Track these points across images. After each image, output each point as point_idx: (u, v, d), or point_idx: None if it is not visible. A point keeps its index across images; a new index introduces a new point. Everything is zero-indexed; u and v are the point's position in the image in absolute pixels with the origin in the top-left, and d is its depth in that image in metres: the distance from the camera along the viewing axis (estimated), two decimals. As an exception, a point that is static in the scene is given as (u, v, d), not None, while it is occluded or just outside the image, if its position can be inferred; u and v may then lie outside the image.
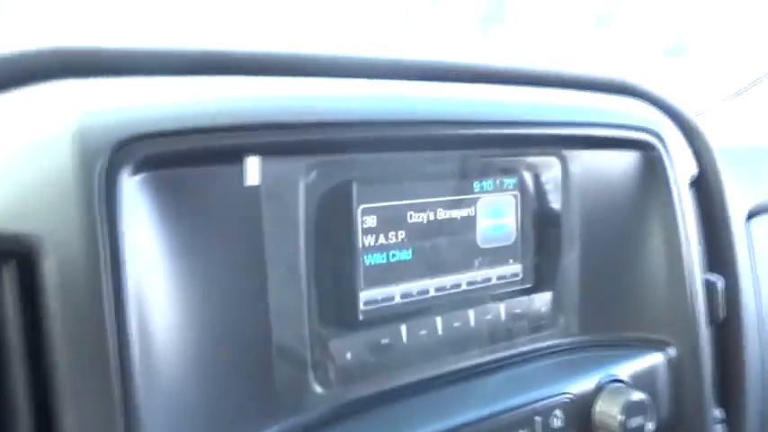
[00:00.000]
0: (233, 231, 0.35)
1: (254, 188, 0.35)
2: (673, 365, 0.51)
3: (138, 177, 0.30)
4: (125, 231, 0.29)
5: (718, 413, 0.58)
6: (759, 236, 0.67)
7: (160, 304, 0.31)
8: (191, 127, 0.31)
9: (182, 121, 0.31)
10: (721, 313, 0.56)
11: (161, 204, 0.32)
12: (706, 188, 0.60)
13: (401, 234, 0.41)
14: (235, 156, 0.34)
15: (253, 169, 0.34)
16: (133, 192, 0.30)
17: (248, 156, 0.34)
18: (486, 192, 0.45)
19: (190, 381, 0.32)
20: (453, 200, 0.43)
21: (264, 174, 0.35)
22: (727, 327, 0.60)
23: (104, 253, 0.28)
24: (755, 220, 0.67)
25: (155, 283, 0.31)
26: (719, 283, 0.57)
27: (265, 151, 0.34)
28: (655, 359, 0.50)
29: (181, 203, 0.32)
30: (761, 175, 0.71)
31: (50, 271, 0.28)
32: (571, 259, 0.49)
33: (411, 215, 0.42)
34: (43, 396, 0.29)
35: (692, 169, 0.59)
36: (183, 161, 0.32)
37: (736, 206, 0.64)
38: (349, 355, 0.40)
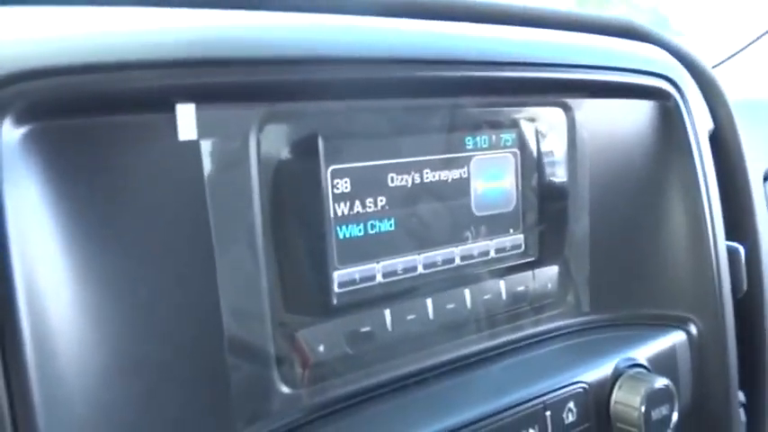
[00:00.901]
0: (166, 200, 0.27)
1: (191, 144, 0.28)
2: (695, 345, 0.45)
3: (24, 129, 0.23)
4: (8, 200, 0.22)
5: (741, 396, 0.52)
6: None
7: (64, 294, 0.24)
8: (97, 62, 0.24)
9: (86, 54, 0.24)
10: (744, 285, 0.50)
11: (60, 166, 0.24)
12: (723, 146, 0.54)
13: (381, 200, 0.34)
14: (162, 102, 0.26)
15: (187, 120, 0.27)
16: (18, 148, 0.23)
17: (180, 102, 0.27)
18: (481, 149, 0.38)
19: (116, 390, 0.25)
20: (442, 159, 0.36)
21: (204, 126, 0.28)
22: (748, 300, 0.53)
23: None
24: (771, 182, 0.61)
25: (54, 266, 0.24)
26: (741, 251, 0.50)
27: (203, 97, 0.27)
28: (676, 338, 0.44)
29: (89, 166, 0.25)
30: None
31: None
32: (580, 227, 0.43)
33: (392, 177, 0.35)
34: None
35: (709, 125, 0.52)
36: (91, 108, 0.25)
37: (753, 165, 0.58)
38: (322, 348, 0.33)
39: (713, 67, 1.11)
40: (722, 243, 0.46)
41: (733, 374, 0.46)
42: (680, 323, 0.45)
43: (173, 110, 0.27)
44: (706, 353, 0.45)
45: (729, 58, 1.13)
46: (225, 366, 0.29)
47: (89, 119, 0.25)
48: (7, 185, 0.22)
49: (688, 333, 0.45)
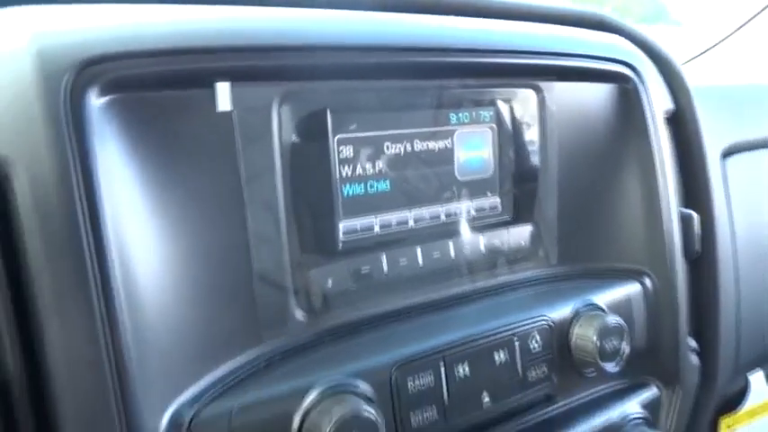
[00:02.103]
0: (208, 158, 0.35)
1: (227, 114, 0.35)
2: (648, 295, 0.52)
3: (105, 99, 0.30)
4: (96, 152, 0.29)
5: (693, 343, 0.59)
6: (734, 174, 0.67)
7: (137, 227, 0.31)
8: (159, 48, 0.31)
9: (150, 42, 0.31)
10: (697, 247, 0.57)
11: (132, 129, 0.32)
12: (682, 125, 0.61)
13: (378, 165, 0.42)
14: (205, 80, 0.34)
15: (224, 94, 0.34)
16: (102, 114, 0.30)
17: (218, 80, 0.34)
18: (463, 124, 0.45)
19: (173, 302, 0.33)
20: (430, 131, 0.44)
21: (236, 100, 0.35)
22: (702, 261, 0.61)
23: (76, 172, 0.28)
24: (731, 159, 0.68)
25: (131, 205, 0.31)
26: (695, 217, 0.57)
27: (236, 76, 0.34)
28: (631, 289, 0.51)
29: (153, 128, 0.32)
30: (737, 114, 0.71)
31: (23, 191, 0.28)
32: (549, 192, 0.50)
33: (388, 146, 0.42)
34: (24, 313, 0.29)
35: (667, 105, 0.59)
36: (153, 84, 0.32)
37: (711, 144, 0.65)
38: (330, 283, 0.40)
39: (703, 53, 1.18)
40: (674, 209, 0.53)
41: (682, 322, 0.53)
42: (636, 276, 0.52)
43: (212, 86, 0.34)
44: (658, 302, 0.52)
45: (714, 46, 1.20)
46: (253, 293, 0.36)
47: (151, 92, 0.32)
48: (97, 141, 0.29)
49: (643, 285, 0.52)
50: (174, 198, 0.33)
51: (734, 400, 0.76)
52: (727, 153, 0.68)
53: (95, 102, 0.29)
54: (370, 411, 0.34)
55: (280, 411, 0.34)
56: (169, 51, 0.32)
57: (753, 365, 0.75)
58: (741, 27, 1.19)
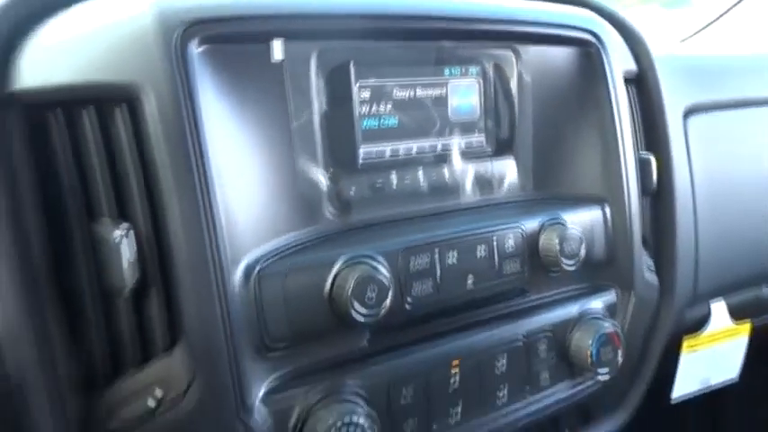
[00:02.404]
0: (267, 95, 0.49)
1: (279, 63, 0.49)
2: (606, 217, 0.65)
3: (202, 48, 0.45)
4: (196, 82, 0.44)
5: (650, 262, 0.72)
6: (694, 130, 0.80)
7: (222, 137, 0.46)
8: (236, 15, 0.45)
9: (231, 10, 0.45)
10: (653, 185, 0.70)
11: (218, 69, 0.46)
12: (645, 84, 0.73)
13: (388, 105, 0.55)
14: (265, 38, 0.48)
15: (278, 49, 0.49)
16: (199, 58, 0.44)
17: (274, 39, 0.48)
18: (455, 77, 0.59)
19: (245, 190, 0.47)
20: (429, 81, 0.57)
21: (287, 53, 0.49)
22: (661, 198, 0.74)
23: (184, 94, 0.43)
24: (692, 118, 0.80)
25: (217, 122, 0.45)
26: (652, 160, 0.70)
27: (286, 35, 0.49)
28: (593, 212, 0.64)
29: (232, 70, 0.47)
30: (701, 80, 0.84)
31: (150, 108, 0.43)
32: (525, 132, 0.63)
33: (396, 91, 0.56)
34: (151, 196, 0.44)
35: (630, 67, 0.72)
36: (233, 39, 0.46)
37: (675, 104, 0.77)
38: (352, 192, 0.54)
39: (704, 29, 1.29)
40: (631, 152, 0.65)
41: (636, 240, 0.66)
42: (597, 203, 0.65)
43: (270, 43, 0.48)
44: (614, 224, 0.65)
45: (713, 22, 1.31)
46: (298, 194, 0.51)
47: (231, 45, 0.46)
48: (198, 75, 0.43)
49: (602, 209, 0.65)
50: (244, 120, 0.48)
51: (699, 326, 0.89)
52: (689, 112, 0.80)
53: (195, 50, 0.44)
54: (383, 275, 0.48)
55: (318, 273, 0.48)
56: (243, 17, 0.46)
57: (714, 295, 0.88)
58: (737, 4, 1.31)
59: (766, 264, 0.91)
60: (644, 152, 0.71)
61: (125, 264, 0.42)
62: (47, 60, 0.44)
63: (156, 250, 0.44)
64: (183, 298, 0.44)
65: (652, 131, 0.74)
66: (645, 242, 0.73)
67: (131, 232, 0.43)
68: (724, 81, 0.85)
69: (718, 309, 0.88)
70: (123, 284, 0.43)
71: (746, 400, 1.28)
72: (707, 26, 1.39)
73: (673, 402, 0.90)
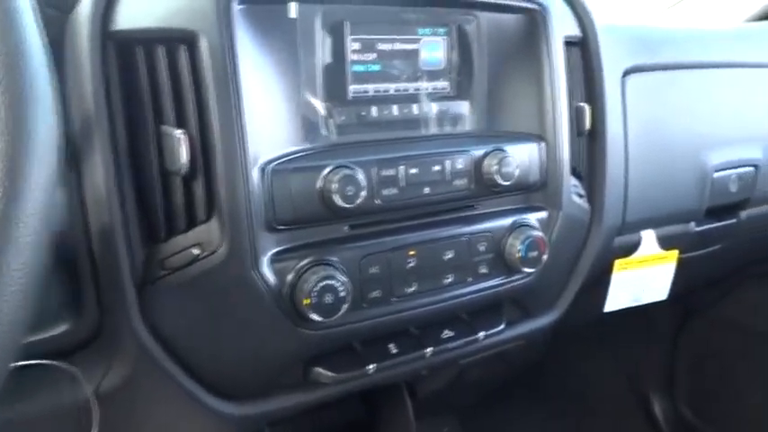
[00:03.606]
0: (284, 44, 0.68)
1: (293, 20, 0.68)
2: (542, 151, 0.83)
3: (241, 6, 0.63)
4: (236, 34, 0.62)
5: (580, 190, 0.91)
6: (632, 86, 0.98)
7: (253, 78, 0.64)
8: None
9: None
10: (586, 127, 0.89)
11: (252, 22, 0.65)
12: (587, 47, 0.91)
13: (373, 55, 0.74)
14: (284, 1, 0.67)
15: (293, 9, 0.67)
16: (239, 14, 0.63)
17: (291, 2, 0.67)
18: (426, 35, 0.77)
19: (262, 116, 0.66)
20: (405, 38, 0.76)
21: (299, 13, 0.68)
22: (594, 139, 0.92)
23: (227, 40, 0.62)
24: (630, 78, 0.98)
25: (249, 62, 0.64)
26: (586, 108, 0.88)
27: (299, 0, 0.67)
28: (531, 146, 0.82)
29: (261, 23, 0.65)
30: (641, 45, 1.01)
31: (203, 50, 0.62)
32: (481, 82, 0.81)
33: (379, 44, 0.74)
34: (201, 111, 0.63)
35: (574, 32, 0.89)
36: (261, 1, 0.65)
37: (614, 63, 0.95)
38: (343, 119, 0.73)
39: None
40: (564, 100, 0.83)
41: (566, 169, 0.84)
42: (535, 139, 0.83)
43: (287, 3, 0.67)
44: (548, 156, 0.83)
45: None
46: (302, 118, 0.70)
47: (262, 6, 0.65)
48: (237, 28, 0.62)
49: (538, 144, 0.83)
50: (267, 60, 0.67)
51: (631, 252, 1.08)
52: (628, 72, 0.98)
53: (237, 7, 0.63)
54: (360, 178, 0.68)
55: (313, 174, 0.67)
56: None
57: (644, 226, 1.07)
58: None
59: (692, 203, 1.09)
60: (580, 103, 0.89)
61: (183, 153, 0.62)
62: (135, 10, 0.63)
63: (201, 148, 0.64)
64: (218, 183, 0.64)
65: (591, 86, 0.91)
66: (578, 174, 0.92)
67: (186, 135, 0.63)
68: (663, 47, 1.02)
69: (648, 236, 1.07)
70: (179, 168, 0.63)
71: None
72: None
73: (606, 312, 1.10)
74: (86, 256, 0.67)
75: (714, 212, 1.15)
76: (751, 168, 1.15)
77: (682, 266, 1.13)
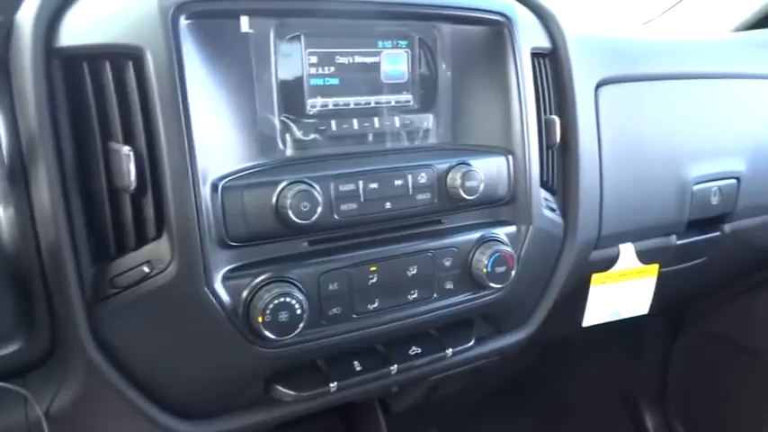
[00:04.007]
0: (236, 59, 0.67)
1: (246, 34, 0.67)
2: (510, 165, 0.81)
3: (188, 22, 0.62)
4: (183, 48, 0.62)
5: (553, 204, 0.90)
6: (604, 99, 0.96)
7: (199, 91, 0.64)
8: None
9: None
10: (556, 140, 0.87)
11: (199, 38, 0.64)
12: (557, 58, 0.90)
13: (332, 68, 0.73)
14: (236, 15, 0.66)
15: (245, 23, 0.66)
16: (186, 28, 0.62)
17: (242, 15, 0.66)
18: (387, 48, 0.76)
19: (215, 129, 0.65)
20: (366, 51, 0.75)
21: (252, 27, 0.67)
22: (566, 152, 0.91)
23: (176, 57, 0.61)
24: (603, 89, 0.96)
25: (199, 77, 0.63)
26: (556, 120, 0.87)
27: (251, 13, 0.66)
28: (498, 159, 0.81)
29: (211, 38, 0.64)
30: (611, 57, 1.00)
31: (149, 66, 0.61)
32: (445, 95, 0.80)
33: (338, 57, 0.73)
34: (148, 127, 0.62)
35: (543, 44, 0.88)
36: (210, 15, 0.64)
37: (586, 75, 0.93)
38: (300, 134, 0.72)
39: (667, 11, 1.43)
40: (532, 113, 0.82)
41: (535, 183, 0.83)
42: (503, 153, 0.82)
43: (239, 18, 0.66)
44: (516, 170, 0.82)
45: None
46: (257, 133, 0.69)
47: (210, 19, 0.64)
48: (183, 42, 0.61)
49: (506, 158, 0.82)
50: (219, 76, 0.66)
51: (610, 266, 1.07)
52: (601, 84, 0.96)
53: (184, 22, 0.62)
54: (316, 193, 0.66)
55: (267, 190, 0.66)
56: None
57: (622, 240, 1.05)
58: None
59: (672, 216, 1.08)
60: (550, 115, 0.87)
61: (131, 170, 0.61)
62: (80, 26, 0.62)
63: (149, 165, 0.63)
64: (167, 200, 0.63)
65: (562, 98, 0.90)
66: (550, 188, 0.91)
67: (133, 152, 0.62)
68: (638, 59, 1.01)
69: (626, 249, 1.05)
70: (127, 184, 0.62)
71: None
72: (670, 9, 1.52)
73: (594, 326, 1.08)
74: (38, 274, 0.66)
75: (696, 225, 1.13)
76: (733, 181, 1.13)
77: (664, 280, 1.11)
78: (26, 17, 0.62)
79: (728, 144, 1.11)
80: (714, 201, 1.11)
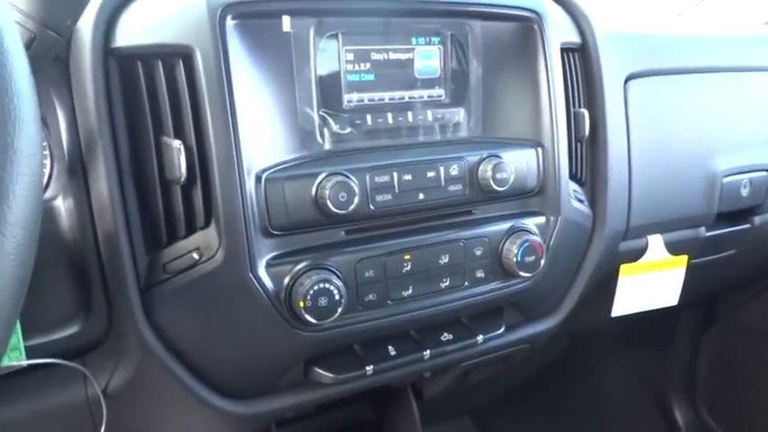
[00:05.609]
0: (278, 56, 0.71)
1: (288, 33, 0.71)
2: (539, 157, 0.84)
3: (235, 21, 0.66)
4: (229, 48, 0.65)
5: (581, 195, 0.92)
6: (634, 92, 0.98)
7: (246, 88, 0.68)
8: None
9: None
10: (585, 133, 0.89)
11: (246, 36, 0.67)
12: (587, 53, 0.92)
13: (367, 65, 0.76)
14: (278, 15, 0.69)
15: (286, 23, 0.70)
16: (233, 28, 0.66)
17: (284, 15, 0.70)
18: (420, 45, 0.79)
19: (262, 122, 0.69)
20: (400, 47, 0.78)
21: (293, 26, 0.71)
22: (595, 144, 0.93)
23: (222, 56, 0.65)
24: (631, 83, 0.98)
25: (244, 74, 0.67)
26: (585, 114, 0.89)
27: (293, 13, 0.70)
28: (528, 152, 0.84)
29: (255, 37, 0.68)
30: (643, 51, 1.01)
31: (199, 64, 0.65)
32: (477, 89, 0.83)
33: (373, 54, 0.76)
34: (198, 122, 0.66)
35: (573, 39, 0.90)
36: (255, 16, 0.68)
37: (615, 69, 0.95)
38: (338, 127, 0.76)
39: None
40: (562, 106, 0.84)
41: (564, 176, 0.85)
42: (532, 145, 0.84)
43: (281, 18, 0.69)
44: (545, 162, 0.84)
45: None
46: (299, 129, 0.73)
47: (257, 20, 0.68)
48: (230, 42, 0.65)
49: (536, 151, 0.84)
50: (262, 73, 0.69)
51: (638, 257, 1.08)
52: (630, 78, 0.98)
53: (230, 23, 0.66)
54: (353, 185, 0.70)
55: (307, 181, 0.70)
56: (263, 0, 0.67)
57: (650, 231, 1.06)
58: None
59: (701, 208, 1.09)
60: (579, 108, 0.89)
61: (182, 163, 0.65)
62: (134, 28, 0.67)
63: (198, 158, 0.67)
64: (215, 191, 0.67)
65: (591, 91, 0.92)
66: (579, 180, 0.93)
67: (184, 145, 0.66)
68: (667, 53, 1.02)
69: (655, 241, 1.07)
70: (178, 177, 0.66)
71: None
72: (703, 0, 1.52)
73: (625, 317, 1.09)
74: (95, 262, 0.70)
75: (726, 217, 1.14)
76: (764, 173, 1.13)
77: (694, 272, 1.12)
78: (85, 21, 0.66)
79: (759, 137, 1.12)
80: (744, 193, 1.11)
